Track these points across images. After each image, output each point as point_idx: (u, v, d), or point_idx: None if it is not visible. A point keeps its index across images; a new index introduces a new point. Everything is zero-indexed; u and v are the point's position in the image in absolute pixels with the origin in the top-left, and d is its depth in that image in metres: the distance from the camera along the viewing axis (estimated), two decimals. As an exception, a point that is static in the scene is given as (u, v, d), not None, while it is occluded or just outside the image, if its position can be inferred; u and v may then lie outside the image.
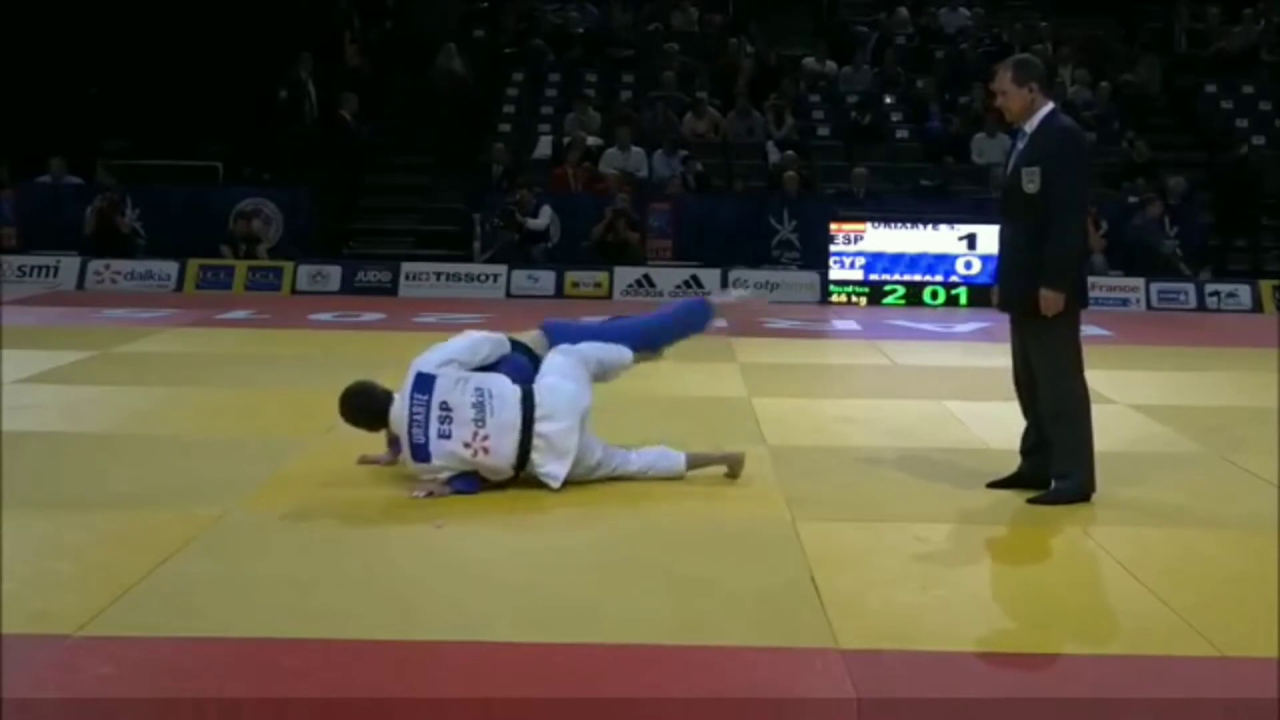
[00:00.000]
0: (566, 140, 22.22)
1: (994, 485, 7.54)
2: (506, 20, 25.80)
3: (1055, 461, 7.28)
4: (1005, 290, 7.39)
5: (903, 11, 26.36)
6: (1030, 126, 7.15)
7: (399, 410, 7.27)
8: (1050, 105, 7.19)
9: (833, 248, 19.21)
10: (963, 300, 18.84)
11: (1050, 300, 7.02)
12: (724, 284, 19.56)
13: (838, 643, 5.18)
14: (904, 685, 4.90)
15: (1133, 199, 21.03)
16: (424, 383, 7.27)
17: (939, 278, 19.07)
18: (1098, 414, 7.44)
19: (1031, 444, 7.50)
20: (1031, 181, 7.01)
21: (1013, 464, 7.60)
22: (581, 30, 25.61)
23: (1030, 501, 7.26)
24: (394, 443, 7.58)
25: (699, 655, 5.07)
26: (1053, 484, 7.30)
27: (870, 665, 5.00)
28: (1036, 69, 7.27)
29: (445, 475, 7.23)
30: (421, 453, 7.18)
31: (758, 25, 26.88)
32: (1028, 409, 7.50)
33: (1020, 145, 7.22)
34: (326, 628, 5.22)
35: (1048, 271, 7.02)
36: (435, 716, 4.59)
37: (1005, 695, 4.85)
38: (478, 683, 4.78)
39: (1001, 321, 7.67)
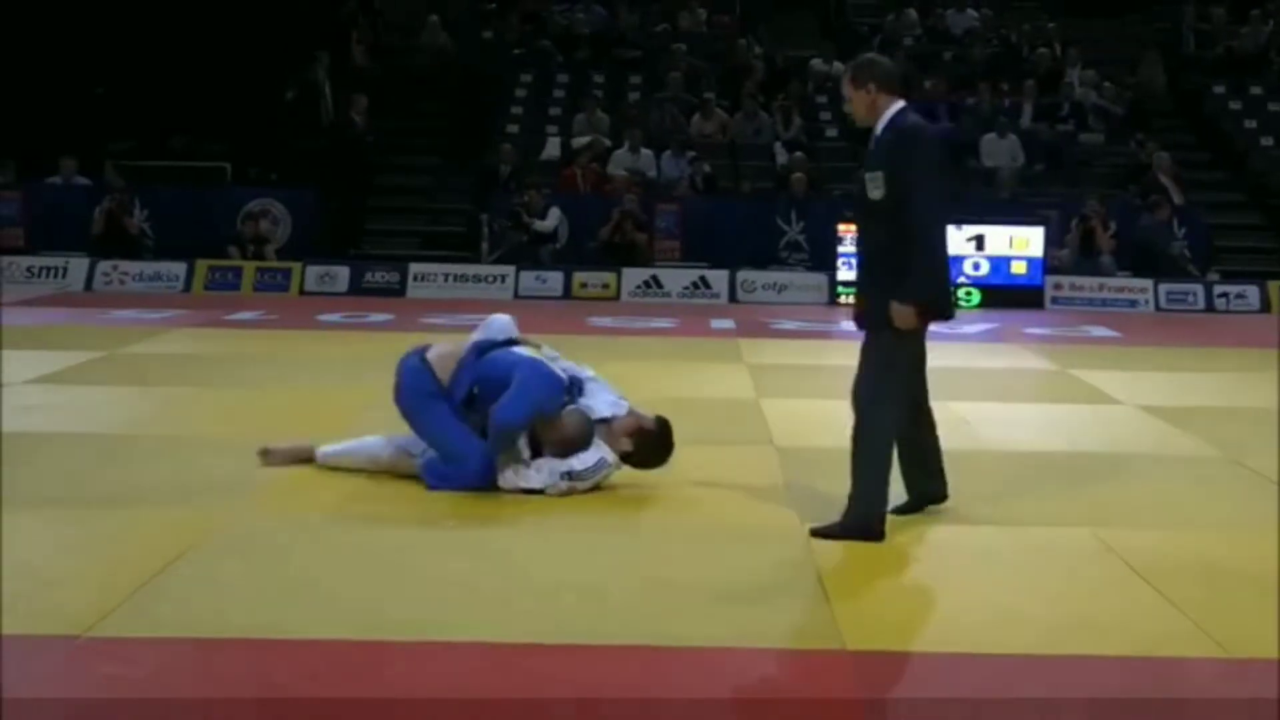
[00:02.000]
0: (585, 140, 22.19)
1: (896, 511, 6.93)
2: (513, 20, 25.80)
3: (850, 493, 6.66)
4: (858, 304, 6.89)
5: (911, 13, 26.33)
6: (878, 128, 6.67)
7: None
8: (898, 105, 6.64)
9: (840, 249, 19.18)
10: (971, 301, 18.82)
11: (901, 315, 6.47)
12: (731, 285, 19.57)
13: (845, 644, 5.18)
14: (911, 686, 4.90)
15: (1138, 202, 21.02)
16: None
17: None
18: (1107, 414, 7.43)
19: (912, 464, 7.01)
20: (876, 187, 6.53)
21: (1022, 465, 7.58)
22: (589, 31, 25.60)
23: (813, 532, 6.63)
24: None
25: (707, 656, 5.07)
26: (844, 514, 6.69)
27: (878, 666, 5.00)
28: (878, 68, 6.71)
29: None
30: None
31: (765, 26, 26.87)
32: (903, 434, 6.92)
33: (870, 148, 6.76)
34: (337, 628, 5.22)
35: (903, 284, 6.46)
36: (448, 717, 4.59)
37: (1012, 696, 4.85)
38: (488, 683, 4.78)
39: (1008, 322, 7.65)
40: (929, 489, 7.05)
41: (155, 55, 22.73)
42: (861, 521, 6.59)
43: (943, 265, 6.70)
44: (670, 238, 20.73)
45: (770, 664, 5.05)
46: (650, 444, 7.53)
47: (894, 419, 6.67)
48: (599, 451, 7.43)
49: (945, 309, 6.75)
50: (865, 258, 6.84)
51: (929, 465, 7.03)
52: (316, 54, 22.13)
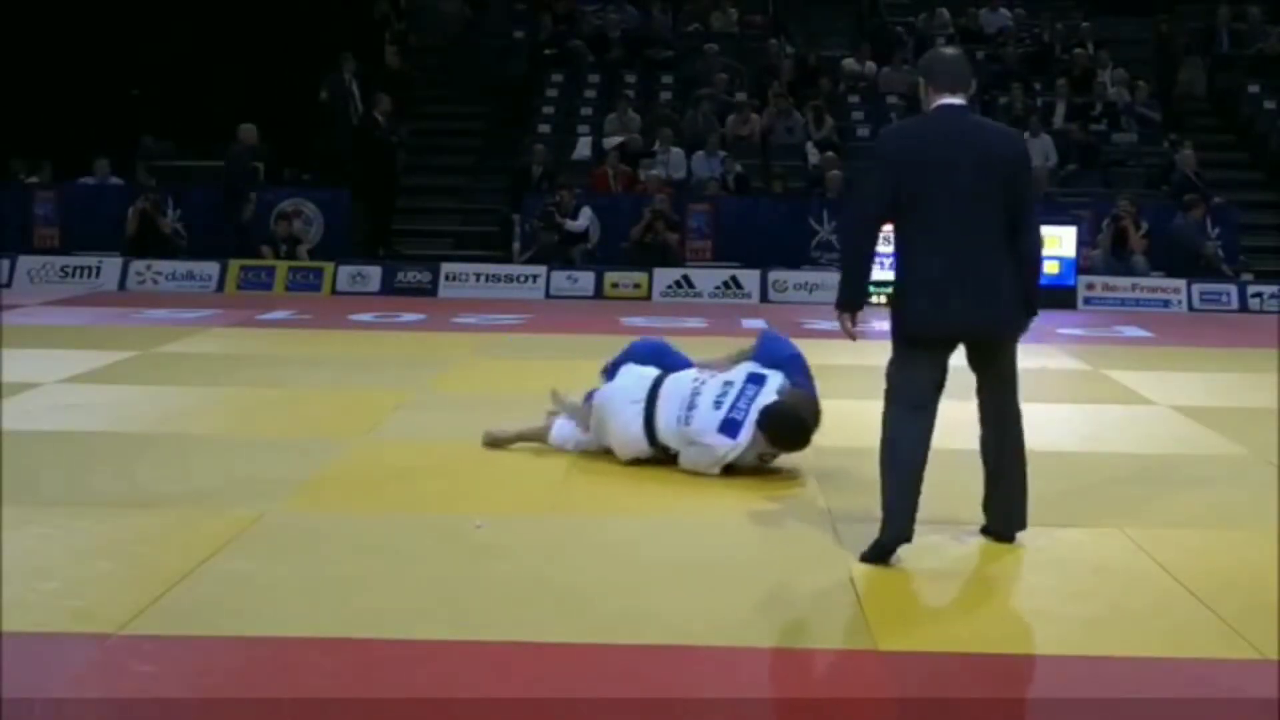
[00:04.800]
0: (617, 141, 22.18)
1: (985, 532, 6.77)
2: (545, 21, 25.82)
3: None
4: None
5: (944, 12, 26.26)
6: None
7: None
8: (937, 102, 6.47)
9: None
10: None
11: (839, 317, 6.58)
12: (763, 285, 19.56)
13: (877, 644, 5.17)
14: (944, 687, 4.89)
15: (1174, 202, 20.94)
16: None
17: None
18: (1140, 415, 7.39)
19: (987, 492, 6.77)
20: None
21: (1051, 465, 7.54)
22: (620, 31, 25.61)
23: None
24: None
25: (738, 656, 5.06)
26: None
27: (910, 667, 4.98)
28: (930, 63, 6.65)
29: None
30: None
31: (797, 26, 26.84)
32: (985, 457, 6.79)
33: None
34: (367, 628, 5.23)
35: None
36: (478, 717, 4.59)
37: (1046, 696, 4.84)
38: (519, 682, 4.79)
39: (1041, 322, 7.59)
40: (988, 528, 6.72)
41: (190, 56, 22.82)
42: (878, 544, 6.31)
43: (850, 266, 6.74)
44: (702, 238, 20.74)
45: (801, 664, 5.04)
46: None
47: (894, 422, 6.39)
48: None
49: (908, 320, 6.49)
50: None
51: (994, 497, 6.69)
52: (342, 56, 22.16)
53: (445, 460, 8.24)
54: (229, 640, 5.12)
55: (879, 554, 6.22)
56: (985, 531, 6.69)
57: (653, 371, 8.05)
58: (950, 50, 7.15)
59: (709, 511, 7.18)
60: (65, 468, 7.82)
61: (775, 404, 7.70)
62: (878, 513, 7.06)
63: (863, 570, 6.08)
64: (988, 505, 6.68)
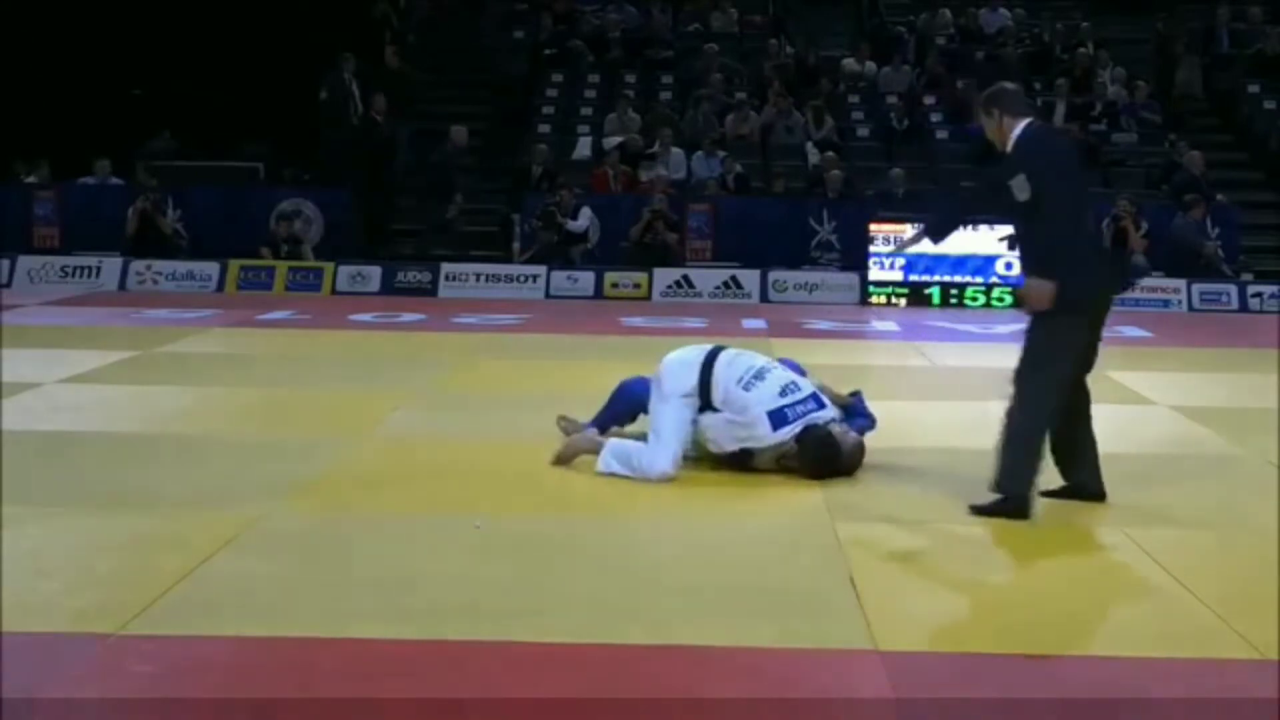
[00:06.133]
0: (616, 141, 22.19)
1: (1048, 494, 7.34)
2: (545, 21, 25.83)
3: (998, 471, 7.05)
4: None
5: (945, 12, 26.27)
6: (1009, 145, 7.22)
7: None
8: (1023, 122, 7.21)
9: (872, 248, 19.18)
10: (1004, 301, 18.78)
11: (1034, 288, 7.00)
12: (763, 285, 19.57)
13: (877, 644, 5.17)
14: (943, 687, 4.88)
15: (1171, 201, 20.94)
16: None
17: (979, 279, 19.03)
18: (1139, 415, 7.41)
19: (1064, 454, 7.35)
20: (1021, 189, 7.00)
21: (1050, 466, 7.56)
22: (620, 31, 25.61)
23: (973, 509, 7.08)
24: None
25: (738, 656, 5.06)
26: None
27: (909, 667, 4.98)
28: (1001, 95, 7.35)
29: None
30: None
31: (797, 26, 26.85)
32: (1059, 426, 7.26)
33: (1006, 163, 7.25)
34: (366, 628, 5.23)
35: (1033, 263, 7.10)
36: (478, 717, 4.59)
37: (1044, 696, 4.83)
38: (520, 682, 4.78)
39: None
40: (1081, 481, 7.37)
41: (191, 57, 22.85)
42: (1008, 502, 6.99)
43: (1079, 251, 7.15)
44: (702, 238, 20.73)
45: (801, 664, 5.04)
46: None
47: (1045, 400, 7.02)
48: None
49: (1082, 293, 7.05)
50: (1023, 254, 7.31)
51: (1081, 458, 7.35)
52: (342, 56, 22.17)
53: (445, 460, 8.24)
54: (229, 640, 5.12)
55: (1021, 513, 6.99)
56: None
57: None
58: (1009, 84, 7.89)
59: (708, 511, 7.18)
60: (65, 468, 7.83)
61: (825, 430, 7.80)
62: (878, 513, 7.10)
63: (863, 570, 6.08)
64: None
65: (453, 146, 21.23)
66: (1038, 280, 6.97)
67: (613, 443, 7.89)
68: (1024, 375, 7.06)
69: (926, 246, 8.18)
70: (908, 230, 7.58)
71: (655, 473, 7.60)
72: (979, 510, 7.03)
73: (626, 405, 8.47)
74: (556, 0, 26.06)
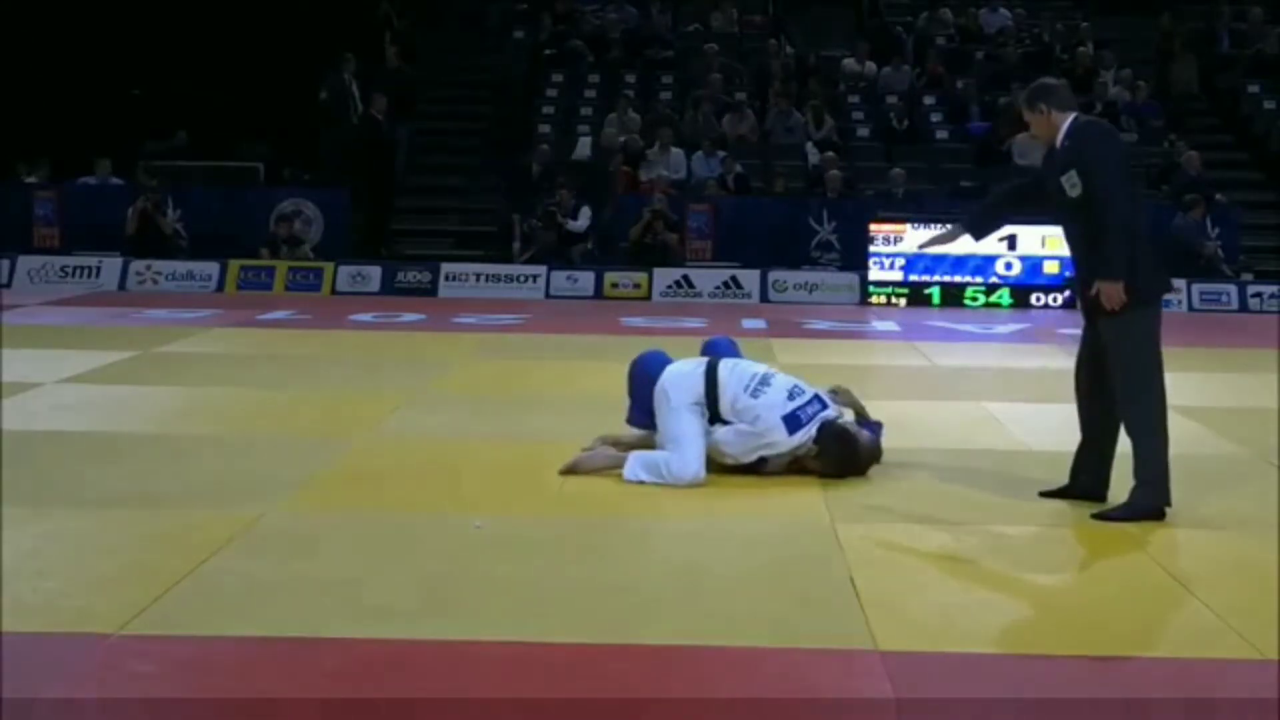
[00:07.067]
0: (622, 139, 22.19)
1: (1046, 494, 7.41)
2: (545, 21, 25.83)
3: (1135, 473, 7.09)
4: (1081, 295, 7.32)
5: (946, 12, 26.27)
6: (1059, 140, 7.19)
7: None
8: (1071, 115, 7.22)
9: (872, 249, 19.19)
10: (1004, 301, 18.78)
11: (1109, 291, 6.91)
12: (763, 285, 19.58)
13: (877, 644, 5.17)
14: (943, 687, 4.88)
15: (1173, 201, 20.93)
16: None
17: (979, 279, 19.03)
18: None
19: (1083, 463, 7.36)
20: (1073, 185, 7.00)
21: (1054, 466, 7.56)
22: (620, 31, 25.61)
23: (1095, 516, 7.04)
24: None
25: (738, 656, 5.06)
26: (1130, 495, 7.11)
27: (910, 666, 4.98)
28: (1048, 91, 7.36)
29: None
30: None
31: (797, 26, 26.85)
32: (1085, 423, 7.34)
33: (1055, 159, 7.25)
34: (368, 627, 5.22)
35: (1102, 265, 6.96)
36: (480, 717, 4.59)
37: (1045, 696, 4.83)
38: (518, 683, 4.78)
39: (1041, 322, 7.65)
40: (1084, 483, 7.34)
41: (191, 57, 22.86)
42: (1151, 504, 7.01)
43: (1141, 244, 7.11)
44: (701, 238, 20.74)
45: (801, 664, 5.03)
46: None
47: (1153, 386, 7.04)
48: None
49: (1154, 284, 7.15)
50: (1081, 253, 7.23)
51: (1090, 463, 7.33)
52: (342, 56, 22.17)
53: (445, 460, 8.24)
54: (229, 640, 5.11)
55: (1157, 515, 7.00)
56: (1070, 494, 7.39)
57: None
58: (1051, 79, 7.93)
59: (708, 511, 7.17)
60: (65, 468, 7.82)
61: (843, 426, 7.86)
62: (878, 513, 7.09)
63: (863, 570, 6.08)
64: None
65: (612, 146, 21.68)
66: (1107, 283, 6.89)
67: (637, 454, 7.82)
68: (1126, 378, 7.03)
69: (923, 243, 8.08)
70: (939, 228, 7.50)
71: (688, 476, 7.56)
72: (1104, 517, 7.02)
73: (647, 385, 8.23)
74: (557, 0, 26.05)
